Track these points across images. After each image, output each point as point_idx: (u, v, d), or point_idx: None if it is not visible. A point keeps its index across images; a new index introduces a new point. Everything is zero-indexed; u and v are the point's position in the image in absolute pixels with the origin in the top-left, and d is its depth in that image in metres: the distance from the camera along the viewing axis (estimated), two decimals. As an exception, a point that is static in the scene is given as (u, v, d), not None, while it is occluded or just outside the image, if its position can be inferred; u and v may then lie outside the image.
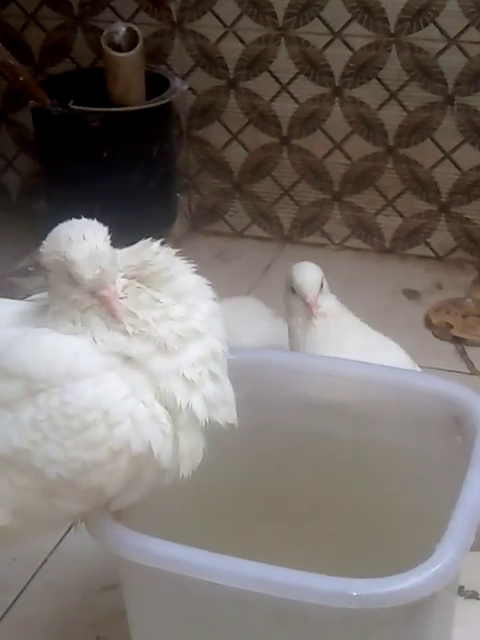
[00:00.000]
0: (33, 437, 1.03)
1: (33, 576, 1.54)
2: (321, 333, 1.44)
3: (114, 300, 1.03)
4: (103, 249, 1.04)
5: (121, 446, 1.02)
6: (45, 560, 1.56)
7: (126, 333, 1.03)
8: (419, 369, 1.50)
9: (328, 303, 1.46)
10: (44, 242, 1.06)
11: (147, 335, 1.03)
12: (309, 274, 1.46)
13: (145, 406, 1.03)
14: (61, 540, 1.57)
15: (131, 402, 1.02)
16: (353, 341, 1.45)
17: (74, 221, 1.07)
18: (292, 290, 1.46)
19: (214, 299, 1.11)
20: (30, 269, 2.22)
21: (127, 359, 1.04)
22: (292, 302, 1.47)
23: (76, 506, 1.08)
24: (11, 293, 2.04)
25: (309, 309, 1.43)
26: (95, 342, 1.03)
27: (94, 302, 1.04)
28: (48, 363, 1.03)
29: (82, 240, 1.04)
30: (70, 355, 1.03)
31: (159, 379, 1.04)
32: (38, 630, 1.46)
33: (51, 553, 1.57)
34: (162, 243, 1.11)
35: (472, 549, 1.07)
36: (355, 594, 0.99)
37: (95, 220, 1.08)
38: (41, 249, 1.06)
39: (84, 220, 1.07)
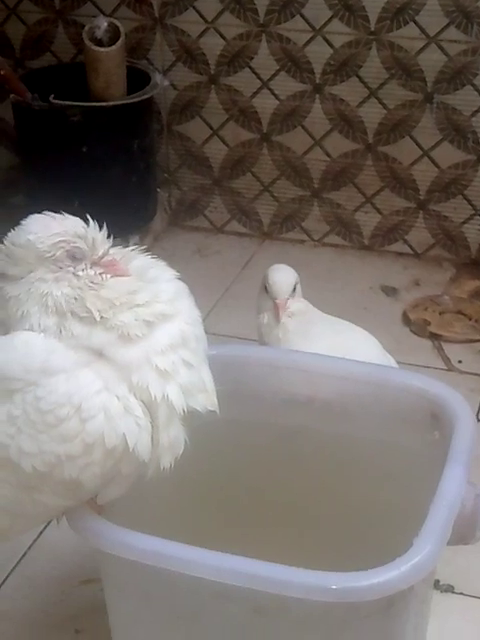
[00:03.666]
0: (9, 431, 1.03)
1: (12, 570, 1.54)
2: (290, 329, 1.46)
3: (119, 263, 1.08)
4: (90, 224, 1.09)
5: (94, 439, 1.02)
6: (24, 554, 1.56)
7: (92, 321, 1.04)
8: (384, 350, 1.50)
9: (297, 306, 1.48)
10: (28, 237, 1.05)
11: (110, 324, 1.04)
12: (283, 277, 1.48)
13: (119, 400, 1.03)
14: (39, 535, 1.57)
15: (104, 396, 1.03)
16: (319, 328, 1.48)
17: (36, 215, 1.09)
18: (265, 289, 1.49)
19: (178, 278, 1.11)
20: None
21: (99, 355, 1.04)
22: (263, 300, 1.50)
23: (58, 501, 1.08)
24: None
25: (277, 309, 1.46)
26: (60, 333, 1.04)
27: (98, 271, 1.06)
28: (23, 362, 1.04)
29: (71, 217, 1.08)
30: (44, 352, 1.04)
31: (130, 372, 1.04)
32: (17, 624, 1.46)
33: (30, 548, 1.57)
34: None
35: (448, 543, 1.09)
36: (334, 587, 1.00)
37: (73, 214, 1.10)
38: (26, 243, 1.05)
39: (41, 214, 1.09)
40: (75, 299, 1.05)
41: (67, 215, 1.09)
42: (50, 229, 1.06)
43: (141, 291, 1.07)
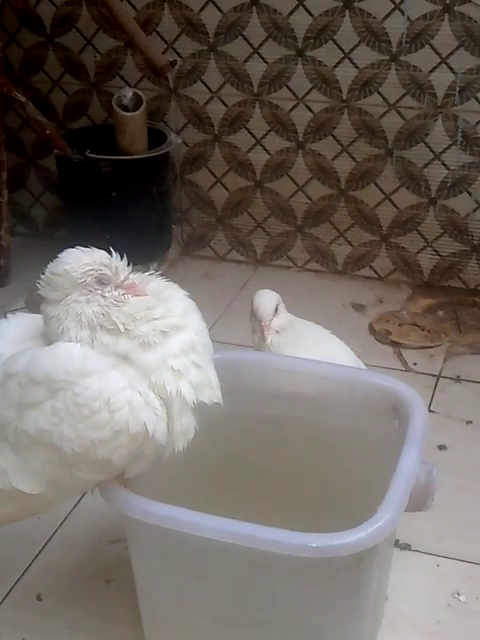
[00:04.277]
0: (53, 420, 1.04)
1: (55, 532, 1.54)
2: (281, 343, 1.44)
3: (138, 285, 1.08)
4: (114, 255, 1.09)
5: (121, 427, 1.03)
6: (65, 519, 1.56)
7: (118, 332, 1.04)
8: (355, 356, 1.48)
9: (281, 321, 1.43)
10: (64, 268, 1.05)
11: (132, 334, 1.04)
12: (265, 301, 1.43)
13: (140, 395, 1.03)
14: (77, 503, 1.56)
15: (129, 392, 1.03)
16: (304, 339, 1.46)
17: (70, 249, 1.09)
18: (252, 313, 1.45)
19: (188, 296, 1.11)
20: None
21: (124, 359, 1.04)
22: (253, 322, 1.46)
23: (93, 476, 1.08)
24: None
25: (261, 330, 1.42)
26: (93, 343, 1.04)
27: (121, 292, 1.06)
28: (64, 366, 1.04)
29: (97, 250, 1.08)
30: (80, 358, 1.04)
31: (150, 372, 1.04)
32: (58, 574, 1.46)
33: (69, 513, 1.57)
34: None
35: (406, 510, 1.09)
36: (314, 546, 1.01)
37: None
38: (63, 272, 1.05)
39: (75, 248, 1.09)
40: (103, 315, 1.05)
41: (94, 248, 1.09)
42: (81, 260, 1.07)
43: (157, 307, 1.07)
